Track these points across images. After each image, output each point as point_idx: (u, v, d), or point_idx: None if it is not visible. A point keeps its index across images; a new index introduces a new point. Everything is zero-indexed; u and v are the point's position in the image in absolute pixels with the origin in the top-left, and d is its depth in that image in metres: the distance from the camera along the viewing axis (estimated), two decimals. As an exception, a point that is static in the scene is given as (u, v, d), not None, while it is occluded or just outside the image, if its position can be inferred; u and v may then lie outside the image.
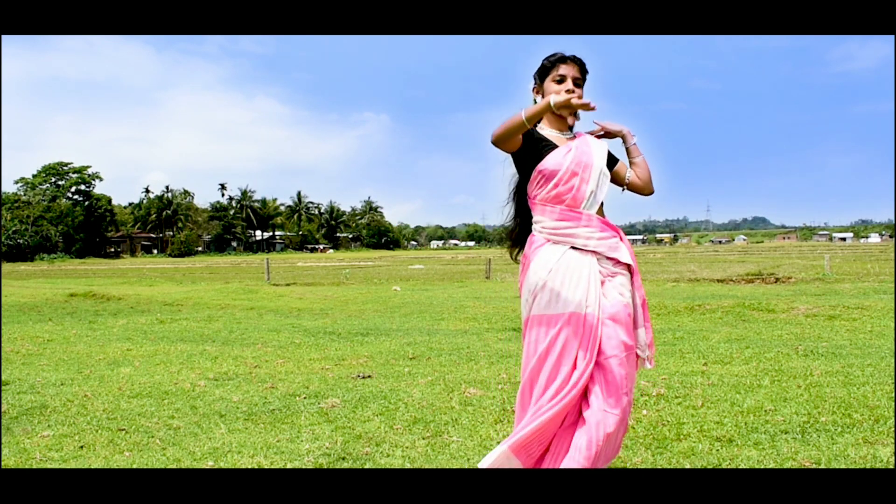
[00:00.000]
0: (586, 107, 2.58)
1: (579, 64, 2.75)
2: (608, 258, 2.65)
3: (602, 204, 2.75)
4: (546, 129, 2.78)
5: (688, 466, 3.24)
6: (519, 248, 2.91)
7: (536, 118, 2.61)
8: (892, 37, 2.82)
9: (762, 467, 3.19)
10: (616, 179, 2.83)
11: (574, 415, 2.59)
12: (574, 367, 2.57)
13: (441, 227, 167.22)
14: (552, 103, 2.56)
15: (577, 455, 2.49)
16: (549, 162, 2.68)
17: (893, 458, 3.26)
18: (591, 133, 2.84)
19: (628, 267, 2.69)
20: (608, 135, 2.85)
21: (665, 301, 11.26)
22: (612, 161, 2.82)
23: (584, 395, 2.57)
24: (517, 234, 2.92)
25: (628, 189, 2.83)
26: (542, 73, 2.80)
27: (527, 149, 2.72)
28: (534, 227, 2.75)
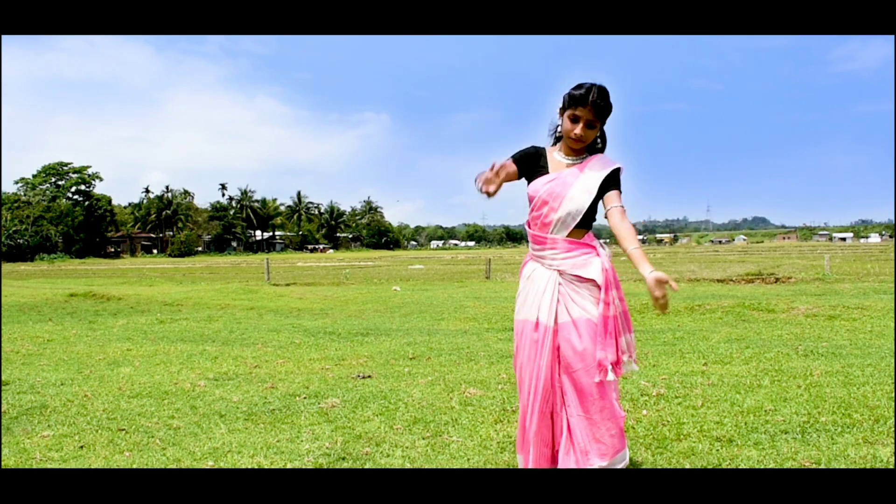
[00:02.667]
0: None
1: (596, 108, 2.71)
2: (573, 275, 2.79)
3: (588, 220, 2.81)
4: (555, 153, 2.87)
5: (688, 466, 3.24)
6: None
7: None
8: (893, 37, 2.82)
9: (762, 467, 3.19)
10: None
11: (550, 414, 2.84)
12: (534, 368, 2.80)
13: (441, 227, 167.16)
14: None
15: (567, 457, 2.77)
16: (531, 187, 2.84)
17: (893, 458, 3.26)
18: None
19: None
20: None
21: (665, 301, 11.24)
22: (605, 186, 2.79)
23: (563, 400, 2.81)
24: None
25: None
26: (565, 104, 2.79)
27: (527, 170, 2.87)
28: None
